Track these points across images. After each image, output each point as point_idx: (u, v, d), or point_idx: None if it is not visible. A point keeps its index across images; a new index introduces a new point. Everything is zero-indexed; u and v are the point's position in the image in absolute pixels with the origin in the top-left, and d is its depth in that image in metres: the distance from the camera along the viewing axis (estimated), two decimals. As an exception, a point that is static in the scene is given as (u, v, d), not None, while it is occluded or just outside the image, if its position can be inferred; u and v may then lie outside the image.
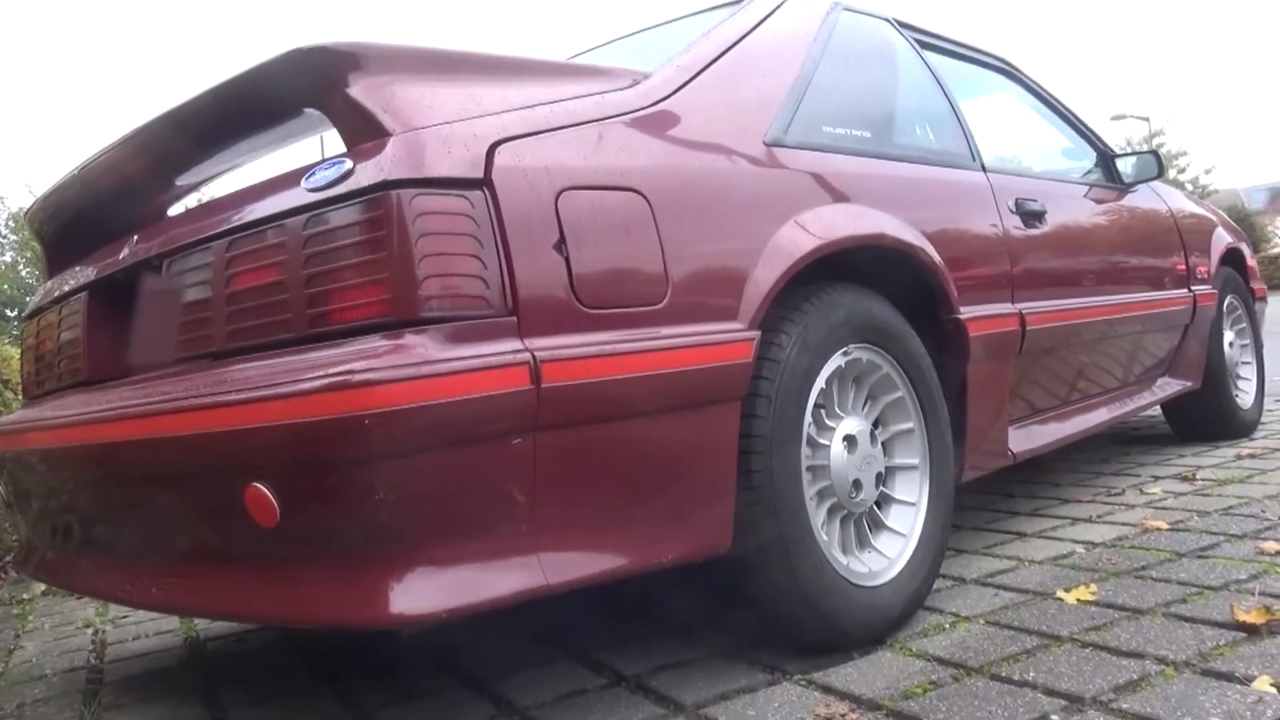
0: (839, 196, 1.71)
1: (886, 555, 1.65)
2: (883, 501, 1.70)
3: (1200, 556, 1.87)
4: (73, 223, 1.76)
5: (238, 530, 1.20)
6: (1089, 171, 2.88)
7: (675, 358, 1.32)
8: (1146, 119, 30.35)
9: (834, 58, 1.91)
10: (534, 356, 1.16)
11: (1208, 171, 33.86)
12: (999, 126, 2.58)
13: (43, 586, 2.78)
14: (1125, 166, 2.87)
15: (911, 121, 2.22)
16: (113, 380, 1.58)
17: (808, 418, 1.53)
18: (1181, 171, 31.55)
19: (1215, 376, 3.11)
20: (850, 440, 1.61)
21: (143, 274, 1.57)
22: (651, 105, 1.49)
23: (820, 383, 1.56)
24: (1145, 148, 18.02)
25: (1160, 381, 2.96)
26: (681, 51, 1.65)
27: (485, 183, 1.20)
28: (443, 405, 1.09)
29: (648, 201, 1.36)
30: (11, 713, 1.72)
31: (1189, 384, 3.03)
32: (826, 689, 1.39)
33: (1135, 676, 1.32)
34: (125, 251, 1.57)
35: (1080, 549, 2.02)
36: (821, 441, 1.58)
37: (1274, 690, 1.22)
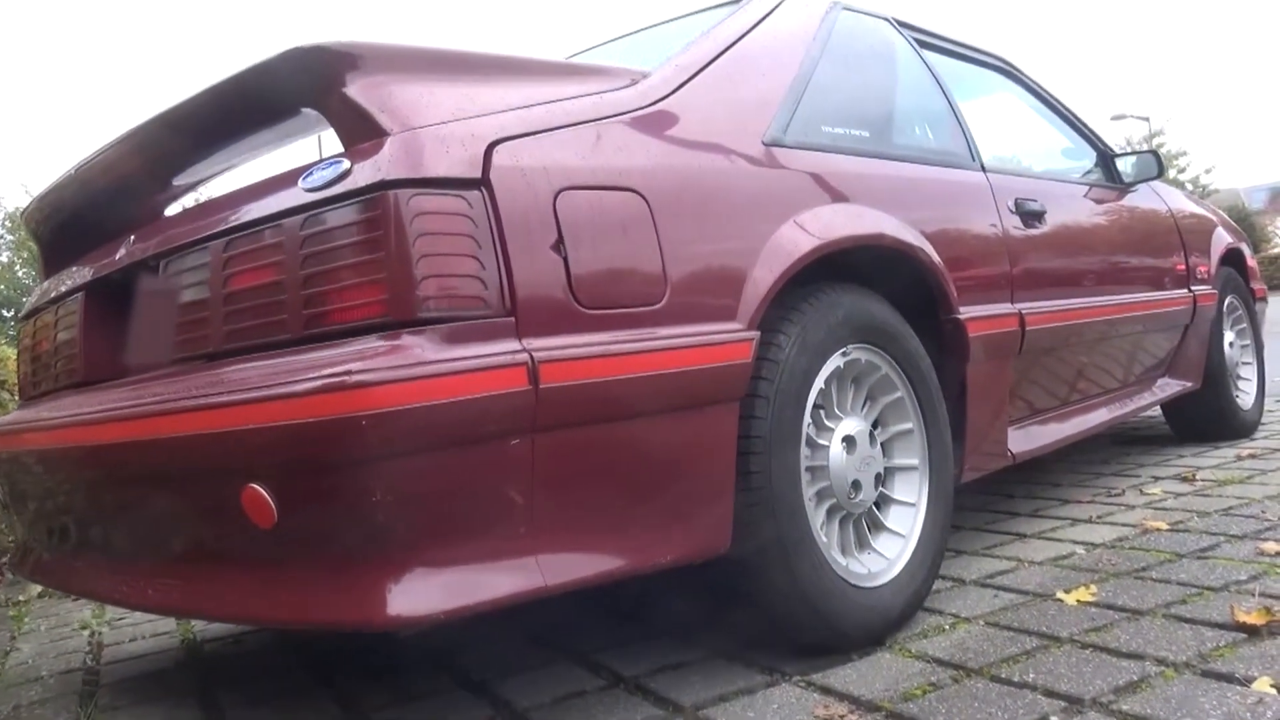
0: (838, 196, 1.70)
1: (886, 556, 1.65)
2: (882, 502, 1.69)
3: (1200, 557, 1.87)
4: (69, 223, 1.75)
5: (235, 531, 1.20)
6: (1089, 171, 2.87)
7: (674, 358, 1.31)
8: (1146, 119, 30.37)
9: (833, 57, 1.91)
10: (532, 357, 1.16)
11: (1208, 171, 33.88)
12: (998, 126, 2.58)
13: (39, 588, 2.77)
14: (1125, 166, 2.87)
15: (911, 121, 2.22)
16: (109, 381, 1.58)
17: (807, 418, 1.52)
18: (1181, 171, 31.55)
19: (1215, 377, 3.11)
20: (849, 441, 1.60)
21: (139, 274, 1.57)
22: (650, 105, 1.49)
23: (819, 383, 1.56)
24: (1145, 147, 17.99)
25: (1160, 382, 2.95)
26: (680, 51, 1.65)
27: (483, 183, 1.20)
28: (440, 406, 1.09)
29: (646, 201, 1.36)
30: (8, 715, 1.71)
31: (1189, 384, 3.02)
32: (825, 690, 1.39)
33: (1135, 678, 1.31)
34: (122, 252, 1.56)
35: (1080, 550, 2.01)
36: (820, 442, 1.57)
37: (1274, 691, 1.22)
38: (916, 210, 1.86)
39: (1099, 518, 2.29)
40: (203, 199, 1.55)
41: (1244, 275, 3.44)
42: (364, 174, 1.17)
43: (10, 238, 23.46)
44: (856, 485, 1.60)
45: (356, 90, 1.21)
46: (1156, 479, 2.70)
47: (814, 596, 1.46)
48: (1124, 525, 2.19)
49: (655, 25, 2.29)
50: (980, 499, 2.58)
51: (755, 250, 1.48)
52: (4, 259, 24.12)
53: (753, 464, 1.42)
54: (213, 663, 1.97)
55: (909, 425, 1.73)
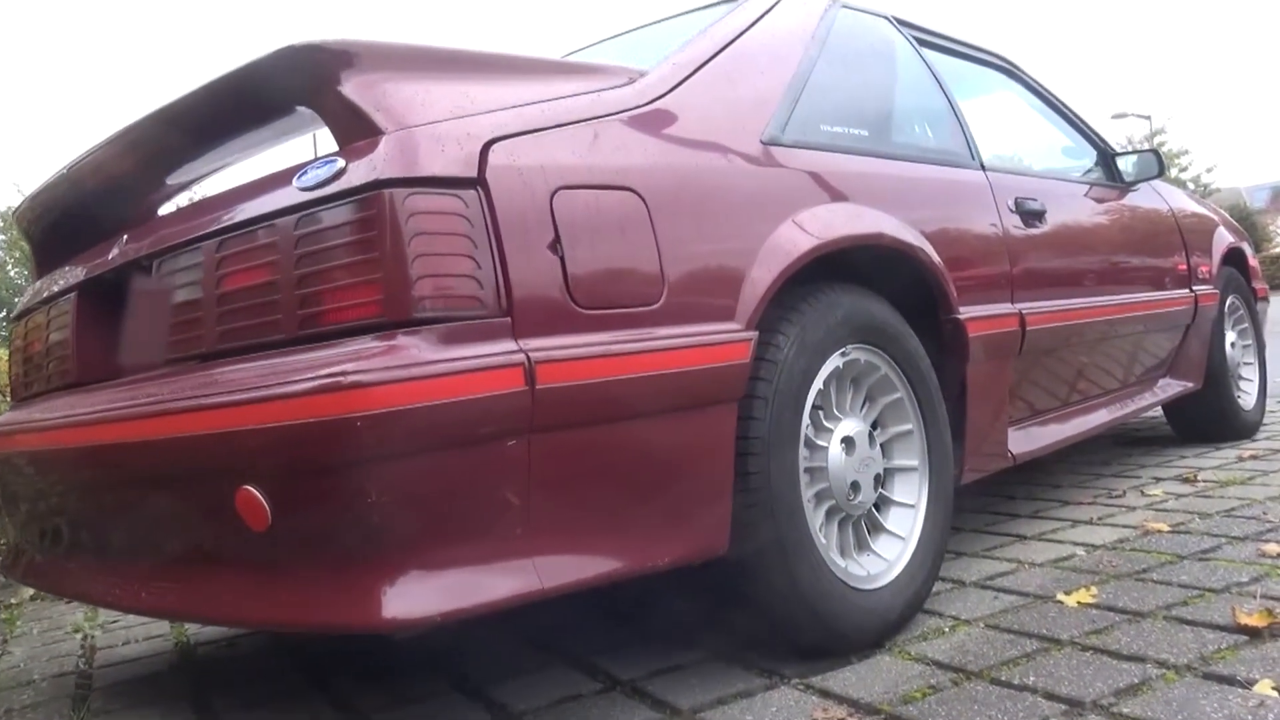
0: (837, 196, 1.69)
1: (885, 558, 1.64)
2: (881, 504, 1.68)
3: (1201, 559, 1.86)
4: (62, 222, 1.74)
5: (229, 533, 1.19)
6: (1089, 170, 2.87)
7: (672, 358, 1.31)
8: (1148, 117, 30.37)
9: (832, 55, 1.90)
10: (528, 357, 1.15)
11: (1209, 170, 33.89)
12: (998, 125, 2.57)
13: (31, 591, 2.76)
14: (1126, 165, 2.86)
15: (910, 120, 2.21)
16: (102, 382, 1.57)
17: (805, 419, 1.51)
18: (1183, 170, 31.52)
19: (1217, 377, 3.10)
20: (848, 442, 1.59)
21: (132, 274, 1.56)
22: (647, 103, 1.48)
23: (818, 384, 1.55)
24: (1146, 146, 18.01)
25: (1161, 382, 2.95)
26: (678, 49, 1.64)
27: (479, 182, 1.19)
28: (436, 407, 1.08)
29: (643, 201, 1.35)
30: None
31: (1190, 385, 3.01)
32: (824, 693, 1.38)
33: (1136, 680, 1.30)
34: (115, 251, 1.55)
35: (1081, 551, 2.00)
36: (819, 443, 1.57)
37: (1276, 694, 1.21)
38: (916, 210, 1.85)
39: (1100, 519, 2.28)
40: (196, 198, 1.55)
41: (1246, 275, 3.43)
42: (359, 173, 1.16)
43: (2, 237, 23.37)
44: (856, 486, 1.59)
45: (351, 88, 1.20)
46: (1158, 480, 2.69)
47: (813, 598, 1.45)
48: (1125, 527, 2.18)
49: (653, 23, 2.28)
50: (980, 500, 2.57)
51: (753, 250, 1.47)
52: (-4, 259, 24.04)
53: (751, 465, 1.41)
54: (206, 666, 1.96)
55: (908, 426, 1.72)
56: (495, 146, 1.22)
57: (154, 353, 1.46)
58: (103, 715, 1.66)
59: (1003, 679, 1.36)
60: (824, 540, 1.53)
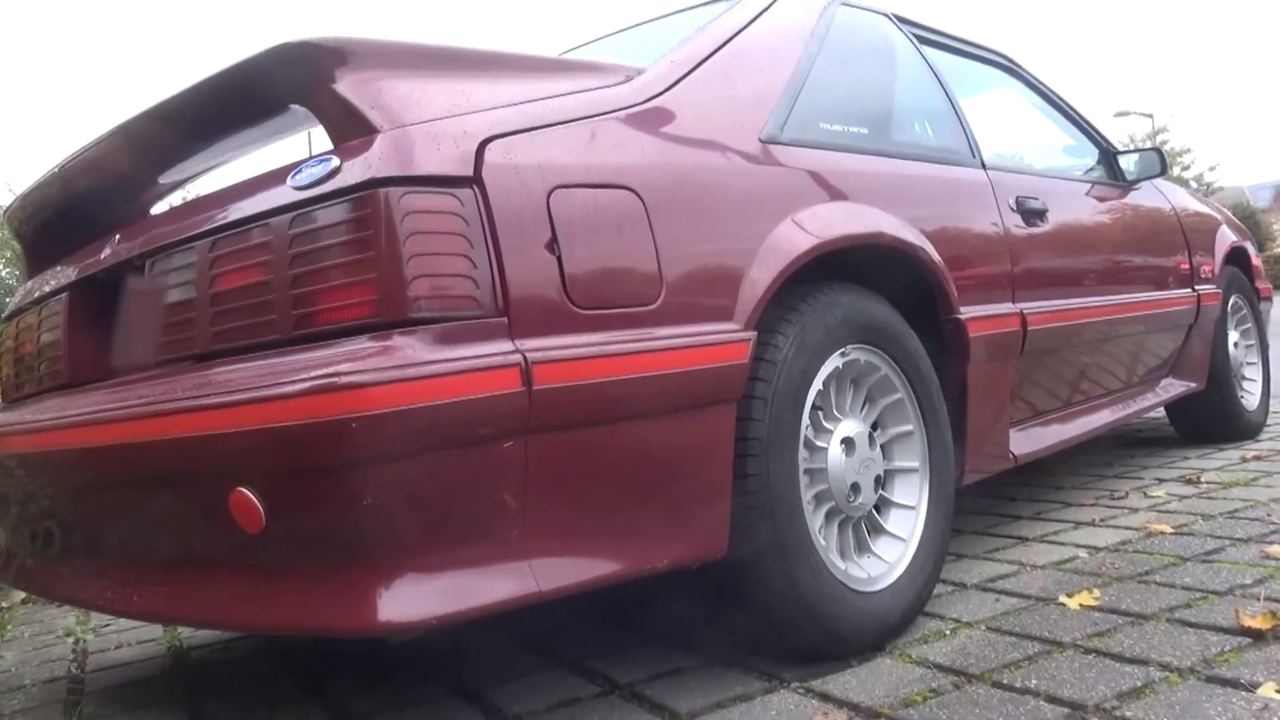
0: (836, 194, 1.68)
1: (885, 560, 1.63)
2: (882, 505, 1.67)
3: (1205, 561, 1.85)
4: (53, 221, 1.73)
5: (222, 536, 1.18)
6: (1091, 169, 2.85)
7: (670, 359, 1.30)
8: (1150, 115, 30.30)
9: (831, 53, 1.89)
10: (525, 358, 1.14)
11: (1212, 169, 33.96)
12: (999, 123, 2.56)
13: (22, 595, 2.75)
14: (1128, 164, 2.85)
15: (910, 118, 2.20)
16: (94, 383, 1.55)
17: (805, 420, 1.50)
18: (1185, 169, 31.50)
19: (1220, 377, 3.08)
20: (848, 443, 1.58)
21: (125, 274, 1.54)
22: (645, 101, 1.46)
23: (818, 384, 1.54)
24: (1148, 145, 18.00)
25: (1164, 382, 2.93)
26: (676, 47, 1.63)
27: (475, 180, 1.18)
28: (432, 408, 1.07)
29: (641, 200, 1.33)
30: (-8, 723, 1.69)
31: (1193, 385, 3.00)
32: (824, 697, 1.37)
33: (1139, 683, 1.29)
34: (107, 251, 1.54)
35: (1083, 553, 1.99)
36: (819, 444, 1.55)
37: (1279, 697, 1.20)
38: (916, 208, 1.84)
39: (1102, 521, 2.27)
40: (190, 197, 1.53)
41: (1249, 274, 3.42)
42: (354, 172, 1.15)
43: (-6, 236, 23.32)
44: (856, 488, 1.58)
45: (346, 86, 1.19)
46: (1160, 481, 2.68)
47: (812, 601, 1.43)
48: (1127, 528, 2.17)
49: (650, 21, 2.27)
50: (982, 502, 2.56)
51: (752, 249, 1.46)
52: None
53: (750, 466, 1.39)
54: (200, 670, 1.95)
55: (909, 427, 1.71)
56: (491, 145, 1.21)
57: (147, 353, 1.45)
58: None
59: (1004, 682, 1.35)
60: (824, 542, 1.51)
